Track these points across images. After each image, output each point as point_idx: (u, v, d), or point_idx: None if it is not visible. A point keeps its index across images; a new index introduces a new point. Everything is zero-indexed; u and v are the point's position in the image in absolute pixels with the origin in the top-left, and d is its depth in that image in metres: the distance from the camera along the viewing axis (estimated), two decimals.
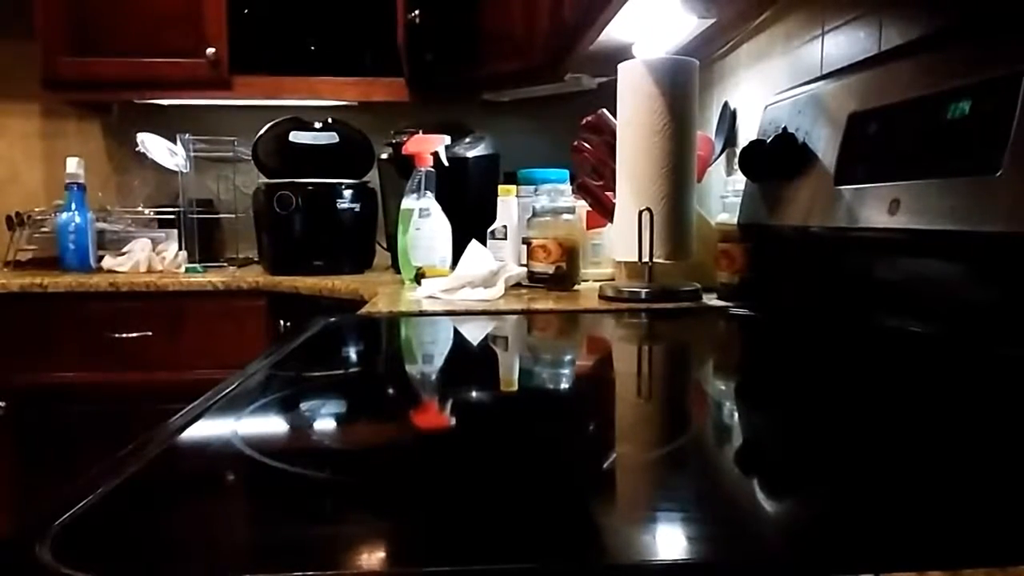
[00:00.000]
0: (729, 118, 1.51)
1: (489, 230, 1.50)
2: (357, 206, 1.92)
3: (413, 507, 0.38)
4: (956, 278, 0.71)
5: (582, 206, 1.39)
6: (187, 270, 1.96)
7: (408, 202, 1.52)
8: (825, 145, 0.92)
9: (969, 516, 0.36)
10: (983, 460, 0.44)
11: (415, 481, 0.43)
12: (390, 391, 0.73)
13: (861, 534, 0.33)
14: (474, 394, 0.69)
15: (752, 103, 1.41)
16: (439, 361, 0.86)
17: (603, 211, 1.28)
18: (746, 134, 1.44)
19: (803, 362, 0.79)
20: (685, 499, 0.40)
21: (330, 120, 1.96)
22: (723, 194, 1.27)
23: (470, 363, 0.85)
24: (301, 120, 1.94)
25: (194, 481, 0.43)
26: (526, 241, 1.39)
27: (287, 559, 0.32)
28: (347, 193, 1.90)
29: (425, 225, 1.51)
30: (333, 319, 1.02)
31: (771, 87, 1.26)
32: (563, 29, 1.57)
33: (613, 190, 1.23)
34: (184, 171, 2.03)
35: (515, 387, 0.72)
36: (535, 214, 1.38)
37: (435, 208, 1.52)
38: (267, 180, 1.90)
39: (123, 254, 1.98)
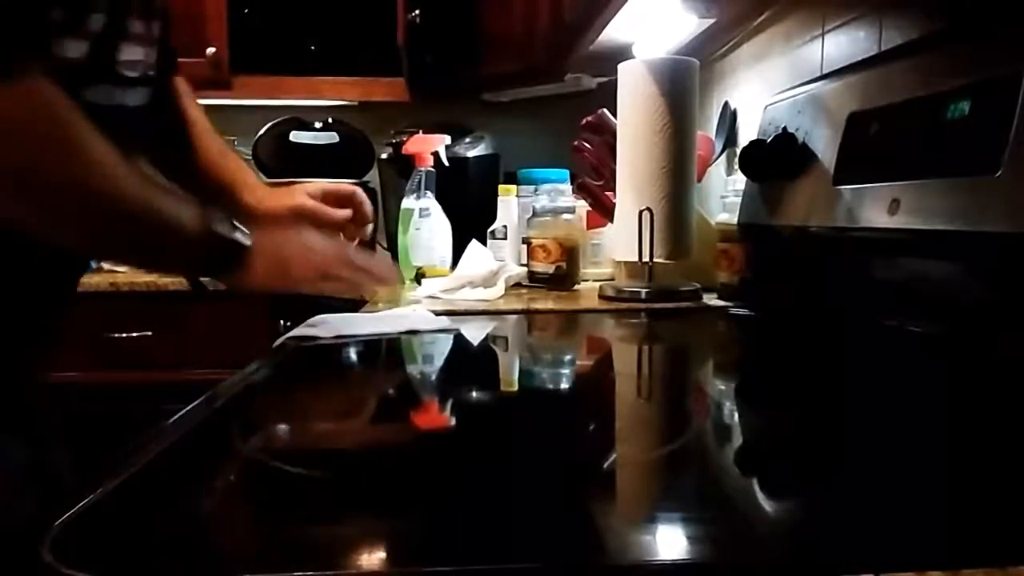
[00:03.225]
0: (729, 118, 1.51)
1: (489, 230, 1.50)
2: None
3: (413, 507, 0.38)
4: (956, 278, 0.71)
5: (582, 206, 1.39)
6: None
7: (408, 202, 1.52)
8: (825, 145, 0.92)
9: (969, 516, 0.36)
10: (983, 460, 0.44)
11: (415, 481, 0.42)
12: (390, 391, 0.73)
13: (861, 534, 0.33)
14: (474, 394, 0.69)
15: (752, 103, 1.41)
16: (439, 361, 0.86)
17: (603, 211, 1.28)
18: (746, 134, 1.44)
19: (803, 362, 0.79)
20: (685, 499, 0.40)
21: (330, 120, 1.96)
22: (723, 194, 1.27)
23: (470, 363, 0.85)
24: (301, 120, 1.94)
25: (194, 481, 0.43)
26: (526, 241, 1.39)
27: (287, 559, 0.32)
28: None
29: (425, 225, 1.51)
30: None
31: (771, 87, 1.26)
32: (563, 29, 1.57)
33: (613, 190, 1.23)
34: None
35: (515, 387, 0.72)
36: (535, 214, 1.38)
37: (435, 208, 1.52)
38: (267, 180, 1.90)
39: None
